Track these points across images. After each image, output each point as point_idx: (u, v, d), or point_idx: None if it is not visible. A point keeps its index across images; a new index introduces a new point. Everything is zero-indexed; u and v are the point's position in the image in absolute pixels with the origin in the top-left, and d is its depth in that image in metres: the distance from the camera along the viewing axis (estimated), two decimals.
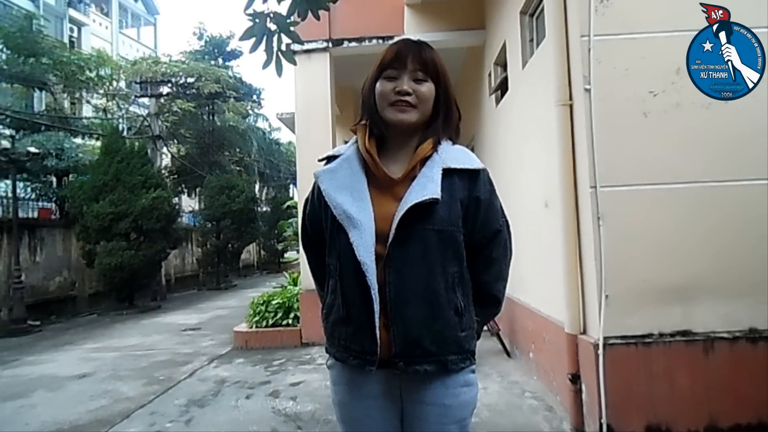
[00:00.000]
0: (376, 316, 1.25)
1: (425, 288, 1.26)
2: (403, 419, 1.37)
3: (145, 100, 15.83)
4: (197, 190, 19.58)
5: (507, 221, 1.41)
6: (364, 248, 1.24)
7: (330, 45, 6.66)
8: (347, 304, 1.30)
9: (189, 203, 21.36)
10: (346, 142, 1.46)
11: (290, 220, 17.28)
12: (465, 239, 1.32)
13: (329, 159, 1.40)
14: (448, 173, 1.29)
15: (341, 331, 1.33)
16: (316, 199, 1.39)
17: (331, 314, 1.37)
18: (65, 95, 15.20)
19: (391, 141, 1.35)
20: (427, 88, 1.31)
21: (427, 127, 1.34)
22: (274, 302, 6.71)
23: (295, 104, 6.86)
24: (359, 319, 1.28)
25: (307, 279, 6.15)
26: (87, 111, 17.31)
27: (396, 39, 1.38)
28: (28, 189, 12.43)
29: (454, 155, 1.33)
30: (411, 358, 1.26)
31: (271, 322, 6.60)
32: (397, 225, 1.24)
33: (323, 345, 1.46)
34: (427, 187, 1.25)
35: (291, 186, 27.19)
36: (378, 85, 1.32)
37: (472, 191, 1.31)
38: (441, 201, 1.25)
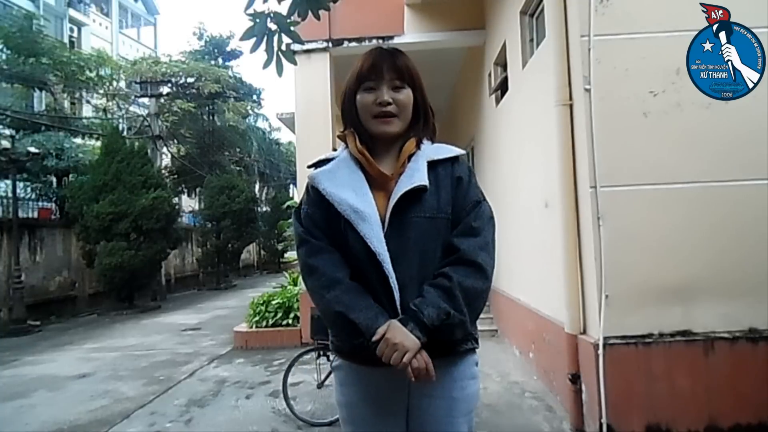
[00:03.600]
0: (398, 302, 1.27)
1: (418, 272, 1.30)
2: (409, 414, 1.37)
3: (145, 100, 15.82)
4: (197, 190, 19.60)
5: (490, 207, 1.42)
6: (377, 239, 1.28)
7: (330, 45, 6.67)
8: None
9: (189, 203, 21.37)
10: (335, 150, 1.50)
11: (290, 220, 17.22)
12: (451, 220, 1.35)
13: (319, 164, 1.44)
14: (433, 165, 1.36)
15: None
16: (314, 202, 1.39)
17: None
18: (65, 95, 15.20)
19: (377, 147, 1.41)
20: (405, 95, 1.37)
21: (408, 131, 1.41)
22: (274, 302, 6.71)
23: (295, 104, 6.86)
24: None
25: None
26: (87, 111, 17.31)
27: (369, 49, 1.43)
28: (28, 189, 12.42)
29: (435, 149, 1.41)
30: None
31: (271, 322, 6.60)
32: (391, 215, 1.29)
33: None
34: (414, 176, 1.32)
35: (291, 186, 27.18)
36: (358, 97, 1.37)
37: (453, 173, 1.38)
38: (429, 190, 1.32)
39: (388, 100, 1.34)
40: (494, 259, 1.35)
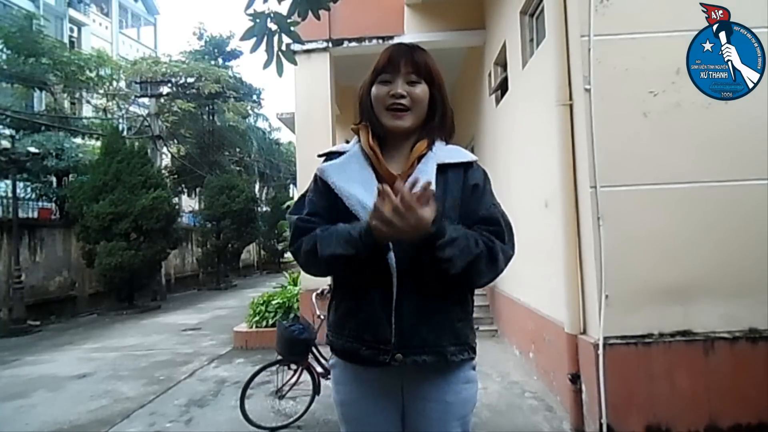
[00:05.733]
0: (394, 302, 1.26)
1: (418, 277, 1.27)
2: (404, 417, 1.37)
3: (145, 100, 15.82)
4: (197, 190, 19.59)
5: (507, 217, 1.40)
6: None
7: (330, 45, 6.67)
8: (363, 294, 1.31)
9: (189, 203, 21.37)
10: (347, 142, 1.48)
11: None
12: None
13: (329, 155, 1.42)
14: (443, 169, 1.33)
15: (352, 321, 1.34)
16: (320, 191, 1.37)
17: (340, 306, 1.38)
18: (65, 95, 15.20)
19: (389, 143, 1.39)
20: (421, 89, 1.35)
21: (422, 128, 1.38)
22: (274, 302, 6.71)
23: (295, 104, 6.87)
24: (372, 307, 1.28)
25: (306, 279, 6.15)
26: (87, 111, 17.30)
27: (390, 44, 1.42)
28: (28, 189, 12.42)
29: (447, 152, 1.38)
30: (409, 349, 1.27)
31: (271, 322, 6.59)
32: None
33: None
34: (421, 179, 1.27)
35: (291, 186, 27.19)
36: (373, 89, 1.36)
37: (467, 181, 1.35)
38: (435, 194, 1.26)
39: (402, 93, 1.32)
40: (512, 252, 1.37)
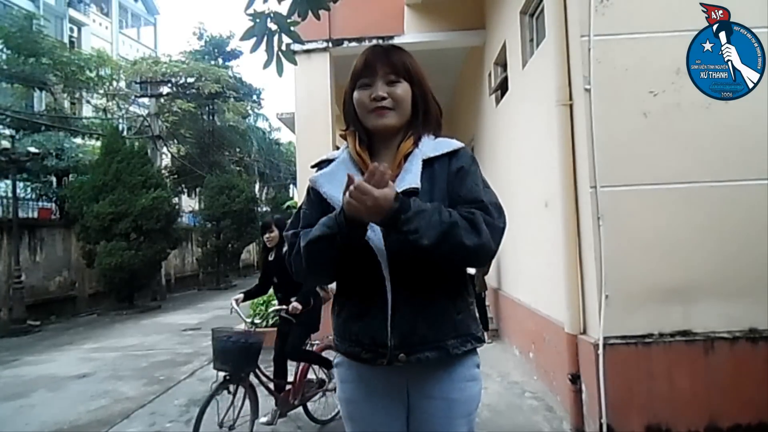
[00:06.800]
0: (389, 306, 1.27)
1: (413, 274, 1.27)
2: (409, 415, 1.37)
3: (145, 100, 15.84)
4: (197, 190, 19.60)
5: (495, 198, 1.34)
6: (378, 239, 1.26)
7: (330, 45, 6.67)
8: (360, 298, 1.32)
9: (189, 203, 21.36)
10: (338, 148, 1.48)
11: (290, 220, 17.25)
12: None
13: (321, 164, 1.43)
14: (429, 162, 1.32)
15: (353, 326, 1.34)
16: (313, 203, 1.39)
17: (343, 311, 1.38)
18: (65, 95, 15.21)
19: (377, 146, 1.39)
20: (402, 89, 1.34)
21: (408, 126, 1.37)
22: (274, 302, 6.69)
23: (295, 104, 6.87)
24: (369, 311, 1.29)
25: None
26: (87, 111, 17.31)
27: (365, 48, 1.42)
28: (28, 189, 12.43)
29: (433, 146, 1.36)
30: (410, 347, 1.27)
31: (271, 322, 6.58)
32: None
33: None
34: (406, 179, 1.29)
35: (291, 186, 27.20)
36: (355, 94, 1.36)
37: (452, 166, 1.33)
38: (422, 190, 1.28)
39: (383, 95, 1.31)
40: (490, 245, 1.24)
